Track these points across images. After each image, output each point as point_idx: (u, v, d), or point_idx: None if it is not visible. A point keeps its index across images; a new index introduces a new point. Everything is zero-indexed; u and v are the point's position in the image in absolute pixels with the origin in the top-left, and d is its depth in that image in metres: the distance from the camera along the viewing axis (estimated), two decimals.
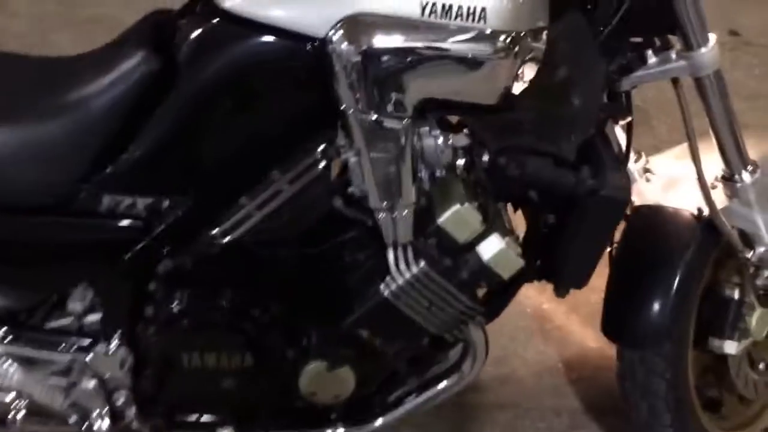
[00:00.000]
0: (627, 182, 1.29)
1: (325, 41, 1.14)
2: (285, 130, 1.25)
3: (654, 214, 1.49)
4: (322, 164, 1.27)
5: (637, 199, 1.53)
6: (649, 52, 1.33)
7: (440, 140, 1.22)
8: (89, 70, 1.27)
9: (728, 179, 1.41)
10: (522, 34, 1.14)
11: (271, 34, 1.16)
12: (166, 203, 1.26)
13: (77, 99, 1.24)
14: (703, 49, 1.29)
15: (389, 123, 1.17)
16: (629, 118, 1.39)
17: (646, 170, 1.56)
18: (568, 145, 1.28)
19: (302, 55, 1.16)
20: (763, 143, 1.53)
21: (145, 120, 1.22)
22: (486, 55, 1.13)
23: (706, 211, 1.44)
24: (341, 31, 1.13)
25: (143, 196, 1.25)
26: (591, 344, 2.01)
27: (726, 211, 1.42)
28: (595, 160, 1.28)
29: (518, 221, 1.45)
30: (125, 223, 1.27)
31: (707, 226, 1.44)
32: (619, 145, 1.42)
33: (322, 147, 1.26)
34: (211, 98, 1.21)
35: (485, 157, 1.28)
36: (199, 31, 1.19)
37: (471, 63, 1.14)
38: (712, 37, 1.30)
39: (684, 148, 1.51)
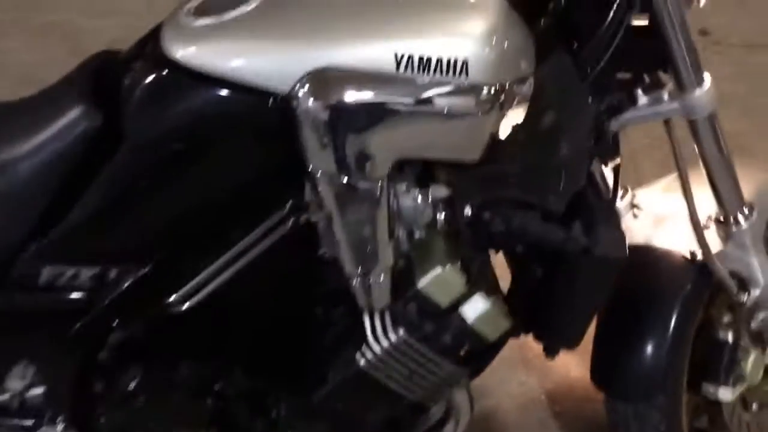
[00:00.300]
0: (622, 238, 1.19)
1: (289, 97, 1.02)
2: (247, 189, 1.12)
3: (644, 254, 1.40)
4: (290, 223, 1.15)
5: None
6: (639, 91, 1.23)
7: (419, 199, 1.11)
8: (23, 123, 1.12)
9: (723, 222, 1.33)
10: (507, 85, 1.03)
11: (227, 89, 1.03)
12: (113, 273, 1.13)
13: (9, 158, 1.10)
14: (698, 91, 1.19)
15: (363, 184, 1.06)
16: (618, 160, 1.30)
17: (633, 206, 1.47)
18: (557, 196, 1.17)
19: (263, 111, 1.03)
20: (756, 175, 1.45)
21: (87, 182, 1.09)
22: (468, 110, 1.02)
23: (699, 254, 1.36)
24: (307, 86, 1.00)
25: (88, 266, 1.12)
26: (574, 373, 1.92)
27: (721, 255, 1.33)
28: (586, 214, 1.17)
29: (500, 261, 1.37)
30: (68, 296, 1.13)
31: (701, 269, 1.36)
32: (607, 185, 1.33)
33: (288, 204, 1.15)
34: (162, 158, 1.08)
35: (467, 211, 1.18)
36: (147, 84, 1.06)
37: (452, 119, 1.02)
38: (707, 78, 1.20)
39: (671, 180, 1.43)
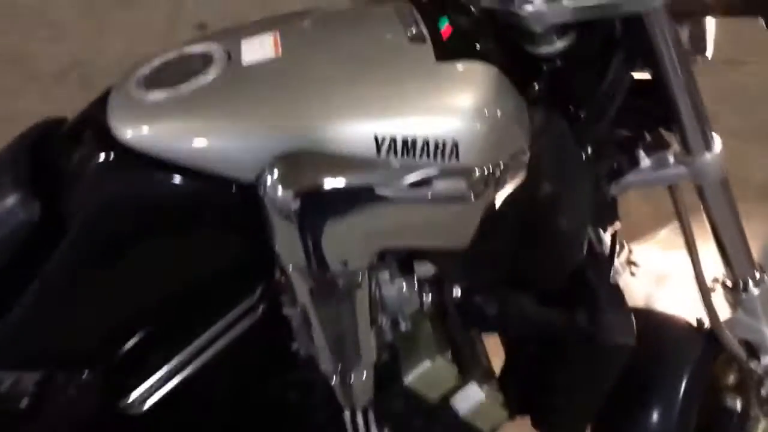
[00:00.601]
0: (630, 323, 1.08)
1: (255, 184, 0.89)
2: (210, 277, 1.00)
3: (646, 319, 1.28)
4: (260, 309, 1.03)
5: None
6: (641, 152, 1.12)
7: (404, 288, 0.99)
8: None
9: (732, 288, 1.22)
10: (501, 164, 0.92)
11: (183, 176, 0.90)
12: (61, 377, 1.01)
13: None
14: (708, 155, 1.07)
15: (341, 279, 0.94)
16: (617, 225, 1.19)
17: (631, 263, 1.36)
18: (555, 274, 1.06)
19: (224, 200, 0.91)
20: (759, 228, 1.36)
21: (25, 279, 0.96)
22: (459, 195, 0.90)
23: (705, 320, 1.26)
24: (275, 173, 0.88)
25: (31, 370, 1.00)
26: None
27: (730, 322, 1.23)
28: (588, 294, 1.06)
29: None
30: (10, 404, 1.00)
31: (708, 337, 1.26)
32: (604, 252, 1.22)
33: (259, 290, 1.03)
34: (110, 251, 0.95)
35: (456, 292, 1.06)
36: (92, 169, 0.93)
37: (441, 205, 0.91)
38: (718, 140, 1.09)
39: (668, 233, 1.33)
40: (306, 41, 0.99)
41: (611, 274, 1.15)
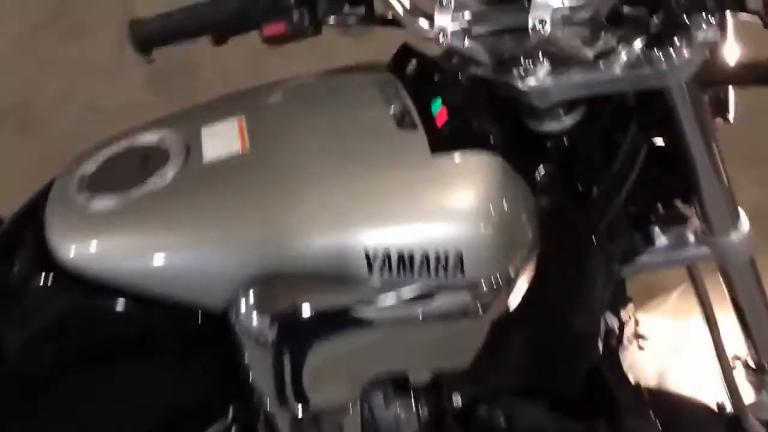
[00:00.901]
0: (654, 429, 0.96)
1: (226, 311, 0.75)
2: (172, 404, 0.86)
3: (659, 401, 1.18)
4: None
5: (631, 377, 1.23)
6: (656, 229, 1.01)
7: (402, 413, 0.86)
8: None
9: (756, 370, 1.11)
10: (509, 272, 0.80)
11: (139, 305, 0.76)
12: None
13: None
14: (734, 235, 0.94)
15: (327, 412, 0.81)
16: (630, 307, 1.07)
17: (638, 336, 1.25)
18: (569, 379, 0.94)
19: (189, 330, 0.77)
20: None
21: None
22: (464, 312, 0.77)
23: (726, 403, 1.15)
24: (249, 298, 0.74)
25: None
26: None
27: (755, 406, 1.12)
28: (607, 400, 0.95)
29: None
30: None
31: (730, 420, 1.15)
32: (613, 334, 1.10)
33: (231, 412, 0.89)
34: (55, 388, 0.80)
35: (457, 400, 0.94)
36: (32, 294, 0.78)
37: (443, 324, 0.77)
38: (744, 218, 0.96)
39: (678, 301, 1.22)
40: (276, 129, 0.85)
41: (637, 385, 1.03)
